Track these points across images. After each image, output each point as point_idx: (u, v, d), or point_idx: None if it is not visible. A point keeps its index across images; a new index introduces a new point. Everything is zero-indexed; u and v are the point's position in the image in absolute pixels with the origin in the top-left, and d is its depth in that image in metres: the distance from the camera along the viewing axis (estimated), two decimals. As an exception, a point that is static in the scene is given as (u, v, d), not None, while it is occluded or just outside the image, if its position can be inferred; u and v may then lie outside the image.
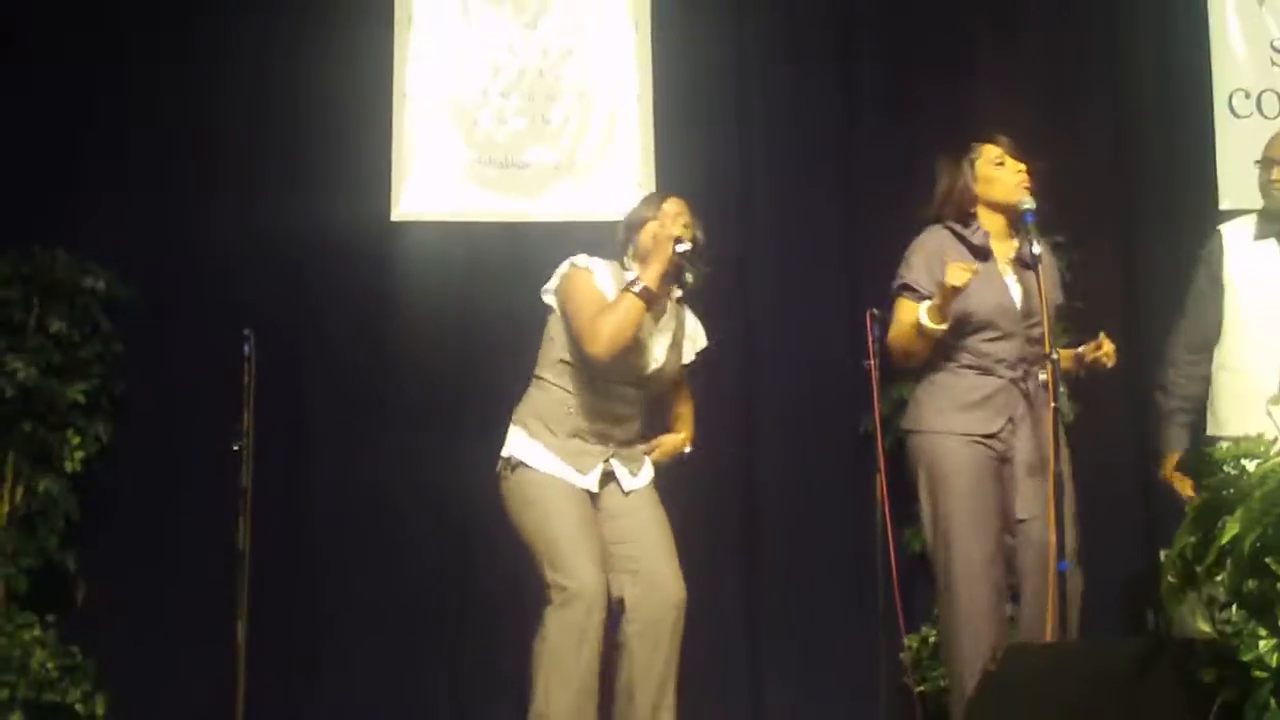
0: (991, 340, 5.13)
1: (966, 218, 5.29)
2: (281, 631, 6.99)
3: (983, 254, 5.20)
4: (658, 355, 4.93)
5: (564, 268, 4.99)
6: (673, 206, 5.08)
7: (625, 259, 5.06)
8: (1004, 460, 5.10)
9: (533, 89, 7.66)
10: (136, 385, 7.30)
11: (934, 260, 5.19)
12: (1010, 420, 5.09)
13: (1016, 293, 5.15)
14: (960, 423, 5.12)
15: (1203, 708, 3.23)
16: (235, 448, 6.20)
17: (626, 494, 4.94)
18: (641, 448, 5.15)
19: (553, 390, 4.91)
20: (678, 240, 4.78)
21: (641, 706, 4.69)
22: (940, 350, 5.20)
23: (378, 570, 7.25)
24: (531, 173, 7.53)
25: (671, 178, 7.50)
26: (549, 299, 5.01)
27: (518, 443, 4.87)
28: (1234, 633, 3.16)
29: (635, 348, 4.80)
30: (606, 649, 4.85)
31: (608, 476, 4.93)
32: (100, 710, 6.80)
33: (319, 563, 7.25)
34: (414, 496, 7.23)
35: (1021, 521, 5.06)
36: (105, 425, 7.15)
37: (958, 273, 4.93)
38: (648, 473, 5.02)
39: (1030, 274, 5.07)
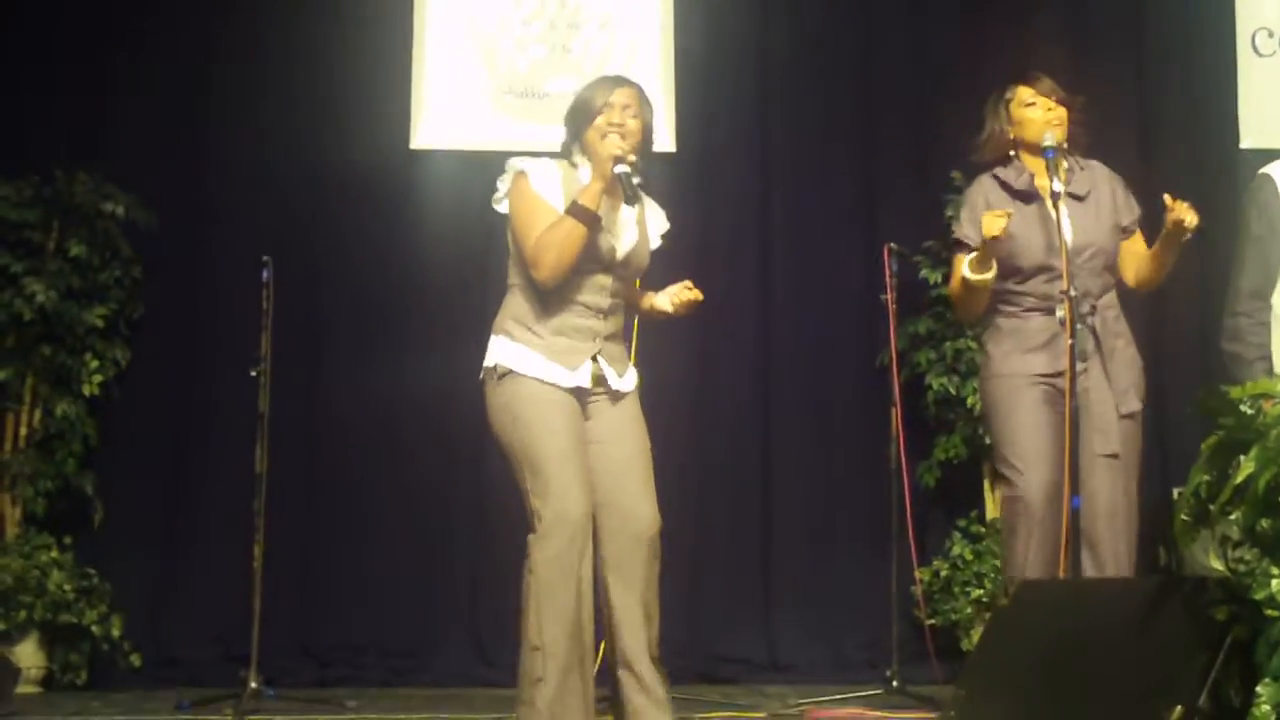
0: (1051, 280, 5.08)
1: (1006, 160, 5.27)
2: (296, 553, 7.02)
3: (1026, 196, 5.16)
4: (627, 240, 4.74)
5: (507, 173, 4.82)
6: (621, 97, 4.73)
7: (574, 153, 4.82)
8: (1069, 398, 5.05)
9: (554, 17, 7.62)
10: (155, 310, 7.31)
11: (977, 212, 5.17)
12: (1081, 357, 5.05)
13: (1068, 228, 5.08)
14: (1027, 364, 5.08)
15: (1214, 645, 3.22)
16: (253, 373, 6.20)
17: (615, 400, 4.71)
18: (656, 299, 4.87)
19: (528, 291, 4.75)
20: (617, 160, 4.60)
21: (628, 639, 4.61)
22: (1004, 297, 5.17)
23: (393, 492, 7.29)
24: (551, 102, 7.48)
25: (691, 111, 7.47)
26: (501, 208, 4.84)
27: (501, 349, 4.68)
28: (1246, 571, 3.14)
29: (603, 230, 4.64)
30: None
31: (598, 379, 4.70)
32: (116, 632, 6.85)
33: (334, 485, 7.28)
34: (430, 418, 7.23)
35: (1113, 456, 5.02)
36: (123, 349, 7.17)
37: (991, 222, 4.91)
38: (632, 376, 4.83)
39: (1082, 206, 5.04)
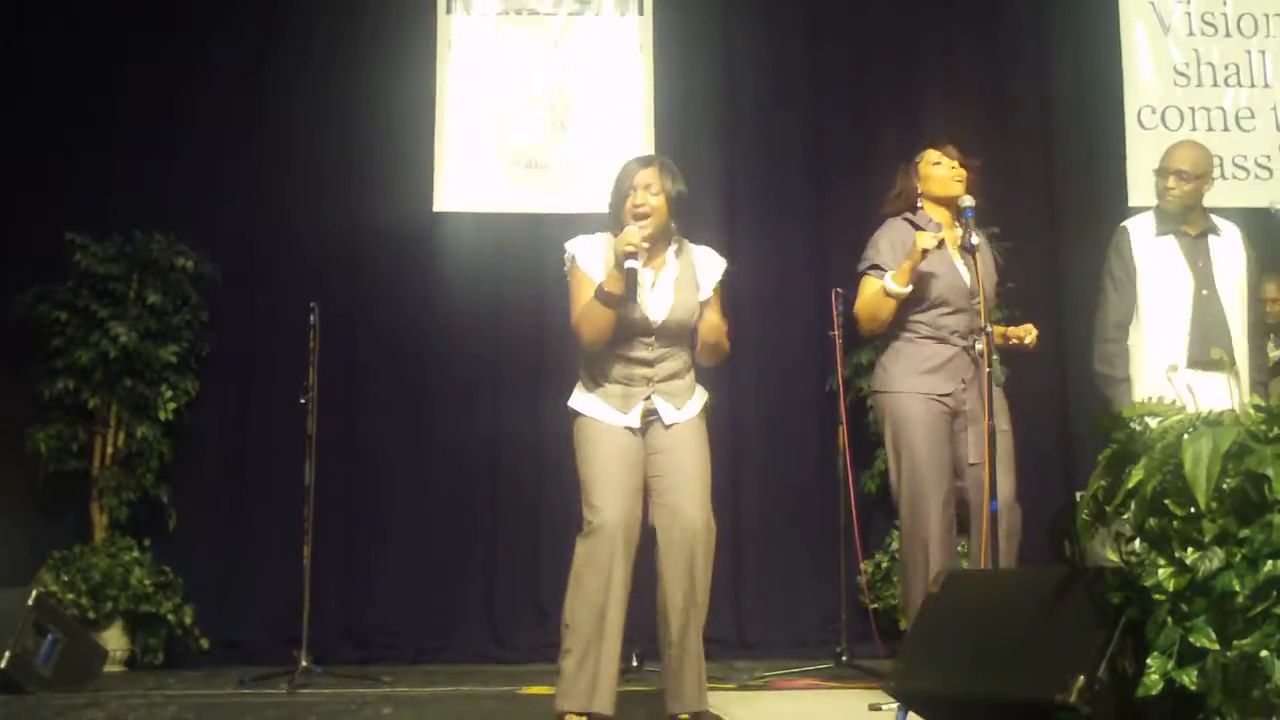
0: (946, 314, 5.12)
1: (913, 211, 5.28)
2: (339, 552, 7.01)
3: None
4: (661, 305, 4.66)
5: (566, 252, 4.80)
6: (643, 178, 4.69)
7: (616, 227, 4.71)
8: (955, 415, 5.09)
9: (554, 101, 7.63)
10: (219, 348, 7.33)
11: (898, 245, 5.19)
12: (963, 382, 5.08)
13: (965, 274, 5.12)
14: (921, 384, 5.12)
15: (1111, 625, 3.22)
16: (302, 400, 6.19)
17: (668, 428, 4.66)
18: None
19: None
20: (628, 256, 4.56)
21: (673, 623, 4.60)
22: (903, 324, 5.19)
23: (421, 502, 7.29)
24: (551, 172, 7.51)
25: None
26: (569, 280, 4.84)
27: (575, 396, 4.73)
28: (1137, 562, 3.14)
29: (633, 309, 4.62)
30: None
31: (651, 414, 4.67)
32: (188, 619, 6.88)
33: (371, 496, 7.27)
34: (450, 440, 7.27)
35: (972, 465, 5.05)
36: (193, 381, 7.21)
37: (927, 238, 4.97)
38: (692, 407, 4.77)
39: (972, 259, 5.05)
